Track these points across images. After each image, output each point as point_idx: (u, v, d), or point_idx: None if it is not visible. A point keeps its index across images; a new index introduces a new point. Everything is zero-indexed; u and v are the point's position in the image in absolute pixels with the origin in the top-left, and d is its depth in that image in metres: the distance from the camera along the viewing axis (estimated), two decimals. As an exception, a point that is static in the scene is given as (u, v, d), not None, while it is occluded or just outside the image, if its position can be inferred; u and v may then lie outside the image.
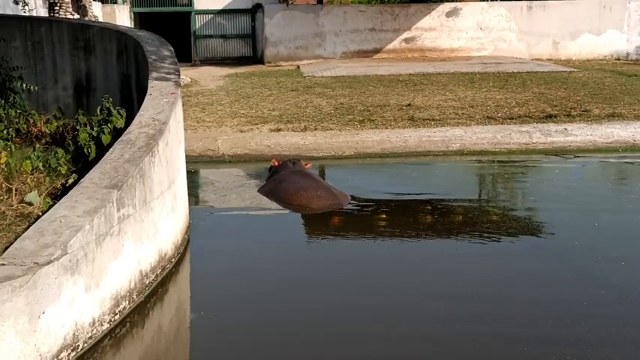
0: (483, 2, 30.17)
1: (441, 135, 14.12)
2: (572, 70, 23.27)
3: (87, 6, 22.02)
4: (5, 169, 7.23)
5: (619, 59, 28.56)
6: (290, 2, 28.24)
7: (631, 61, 28.37)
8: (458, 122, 15.07)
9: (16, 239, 5.76)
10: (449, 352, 6.15)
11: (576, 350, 6.06)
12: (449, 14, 28.36)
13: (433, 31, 28.29)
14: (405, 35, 28.22)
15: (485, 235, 9.14)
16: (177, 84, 9.61)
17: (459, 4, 29.01)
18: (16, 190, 7.02)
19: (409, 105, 16.72)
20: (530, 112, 15.91)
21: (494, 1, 29.86)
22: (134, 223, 6.80)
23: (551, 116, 15.41)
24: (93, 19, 21.01)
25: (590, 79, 20.92)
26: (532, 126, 14.63)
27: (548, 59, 27.43)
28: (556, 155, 13.37)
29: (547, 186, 11.58)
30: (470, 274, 7.82)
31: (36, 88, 10.06)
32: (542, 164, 13.06)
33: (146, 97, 9.03)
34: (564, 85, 19.69)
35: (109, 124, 8.67)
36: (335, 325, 6.68)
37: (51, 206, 6.48)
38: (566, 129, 14.39)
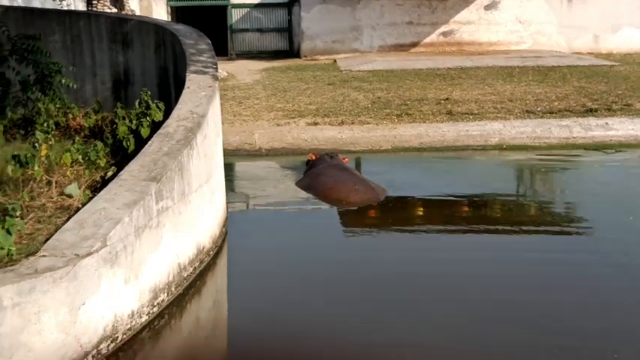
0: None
1: (479, 129, 13.98)
2: (613, 63, 22.92)
3: (124, 0, 22.18)
4: (45, 161, 7.26)
5: (661, 53, 28.08)
6: (326, -5, 28.13)
7: (672, 54, 27.86)
8: (497, 116, 14.90)
9: (56, 231, 5.80)
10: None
11: (610, 344, 6.01)
12: (487, 7, 28.07)
13: (471, 24, 28.01)
14: (443, 29, 27.98)
15: (522, 229, 9.08)
16: (215, 77, 9.61)
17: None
18: (56, 183, 7.06)
19: (447, 99, 16.58)
20: (570, 106, 15.69)
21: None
22: (173, 216, 6.80)
23: (591, 110, 15.18)
24: (130, 13, 21.13)
25: (632, 73, 20.58)
26: (572, 120, 14.42)
27: (589, 53, 27.01)
28: (596, 150, 13.19)
29: (586, 181, 11.43)
30: (505, 269, 7.78)
31: (75, 85, 10.12)
32: (583, 159, 12.88)
33: (184, 91, 9.04)
34: (605, 79, 19.39)
35: (147, 118, 8.70)
36: (374, 320, 6.63)
37: (90, 199, 6.50)
38: (607, 123, 14.17)
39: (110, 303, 5.68)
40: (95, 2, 18.39)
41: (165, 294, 6.60)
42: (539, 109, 15.49)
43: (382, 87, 18.57)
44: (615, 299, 6.95)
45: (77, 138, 8.74)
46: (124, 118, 8.88)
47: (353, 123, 14.57)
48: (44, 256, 5.30)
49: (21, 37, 9.79)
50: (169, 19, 27.28)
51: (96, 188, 7.11)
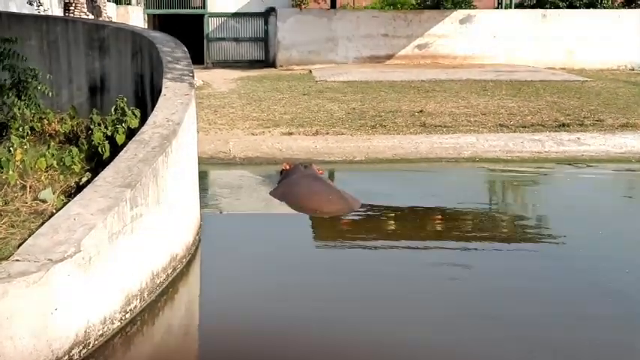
0: (497, 10, 30.18)
1: (452, 142, 14.10)
2: (586, 79, 23.23)
3: (101, 7, 22.13)
4: (20, 166, 7.27)
5: (633, 69, 28.45)
6: (303, 7, 28.22)
7: (644, 71, 28.25)
8: (470, 129, 15.05)
9: (30, 236, 5.80)
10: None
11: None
12: (462, 21, 28.35)
13: (446, 37, 28.28)
14: (418, 42, 28.22)
15: (492, 242, 9.17)
16: (192, 85, 9.63)
17: (472, 12, 29.00)
18: (30, 188, 7.06)
19: (421, 111, 16.72)
20: (543, 120, 15.88)
21: (509, 9, 29.86)
22: (147, 223, 6.82)
23: (564, 125, 15.38)
24: (107, 20, 21.07)
25: (604, 89, 20.88)
26: (545, 135, 14.60)
27: (562, 68, 27.36)
28: (568, 164, 13.35)
29: (557, 195, 11.58)
30: (475, 281, 7.87)
31: (51, 93, 10.08)
32: (554, 173, 13.04)
33: (160, 98, 9.06)
34: (577, 94, 19.64)
35: (123, 124, 8.72)
36: (345, 329, 6.67)
37: (65, 204, 6.51)
38: (579, 138, 14.35)
39: (82, 309, 5.69)
40: (72, 8, 18.33)
41: (138, 300, 6.62)
42: (511, 122, 15.67)
43: (357, 98, 18.68)
44: (582, 311, 7.07)
45: (52, 143, 8.74)
46: (99, 125, 8.89)
47: (327, 133, 14.65)
48: (17, 260, 5.30)
49: (-4, 41, 9.75)
50: (146, 27, 27.25)
51: (70, 194, 7.12)
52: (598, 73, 26.14)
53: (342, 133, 14.69)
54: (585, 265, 8.25)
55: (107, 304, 6.08)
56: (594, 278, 7.87)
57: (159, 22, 29.69)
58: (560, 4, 31.08)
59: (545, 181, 12.70)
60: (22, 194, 6.96)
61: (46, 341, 5.28)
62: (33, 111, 9.54)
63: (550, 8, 30.07)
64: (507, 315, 6.96)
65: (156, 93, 9.63)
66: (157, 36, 11.73)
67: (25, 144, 7.83)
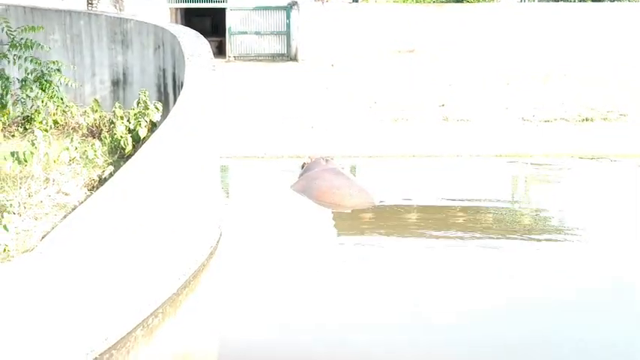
0: (521, 4, 30.00)
1: (475, 136, 14.04)
2: (612, 72, 22.98)
3: (123, 0, 22.22)
4: (43, 159, 7.30)
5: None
6: (325, 0, 28.18)
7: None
8: (494, 123, 14.97)
9: (53, 229, 5.83)
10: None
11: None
12: (485, 14, 28.15)
13: (470, 30, 28.04)
14: (441, 35, 28.02)
15: (513, 237, 9.12)
16: (213, 79, 9.64)
17: (495, 5, 28.82)
18: (53, 181, 7.10)
19: (444, 105, 16.66)
20: (566, 114, 15.76)
21: (533, 2, 29.67)
22: (170, 217, 6.85)
23: (587, 119, 15.27)
24: (129, 14, 21.13)
25: (630, 82, 20.64)
26: (568, 129, 14.49)
27: (589, 62, 27.07)
28: (591, 159, 13.24)
29: (579, 190, 11.50)
30: (497, 276, 7.86)
31: (74, 84, 10.13)
32: (577, 168, 12.93)
33: (182, 92, 9.05)
34: (603, 88, 19.45)
35: (145, 118, 8.73)
36: (375, 333, 6.66)
37: (87, 197, 6.54)
38: (602, 132, 14.23)
39: (106, 300, 5.73)
40: (95, 2, 18.41)
41: (160, 292, 6.64)
42: (534, 116, 15.57)
43: (379, 91, 18.61)
44: (604, 307, 7.04)
45: (75, 136, 8.77)
46: (122, 118, 8.92)
47: (349, 127, 14.64)
48: (40, 252, 5.34)
49: (21, 31, 9.77)
50: (169, 21, 27.32)
51: (93, 187, 7.15)
52: (625, 67, 25.79)
53: (364, 127, 14.67)
54: (607, 261, 8.22)
55: (130, 296, 6.13)
56: (616, 274, 7.84)
57: (181, 16, 29.78)
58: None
59: (569, 175, 12.58)
60: (46, 187, 7.00)
61: (69, 333, 5.32)
62: (56, 104, 9.60)
63: (575, 2, 29.81)
64: (523, 308, 6.95)
65: (178, 86, 9.66)
66: (179, 30, 11.76)
67: (49, 137, 7.86)
